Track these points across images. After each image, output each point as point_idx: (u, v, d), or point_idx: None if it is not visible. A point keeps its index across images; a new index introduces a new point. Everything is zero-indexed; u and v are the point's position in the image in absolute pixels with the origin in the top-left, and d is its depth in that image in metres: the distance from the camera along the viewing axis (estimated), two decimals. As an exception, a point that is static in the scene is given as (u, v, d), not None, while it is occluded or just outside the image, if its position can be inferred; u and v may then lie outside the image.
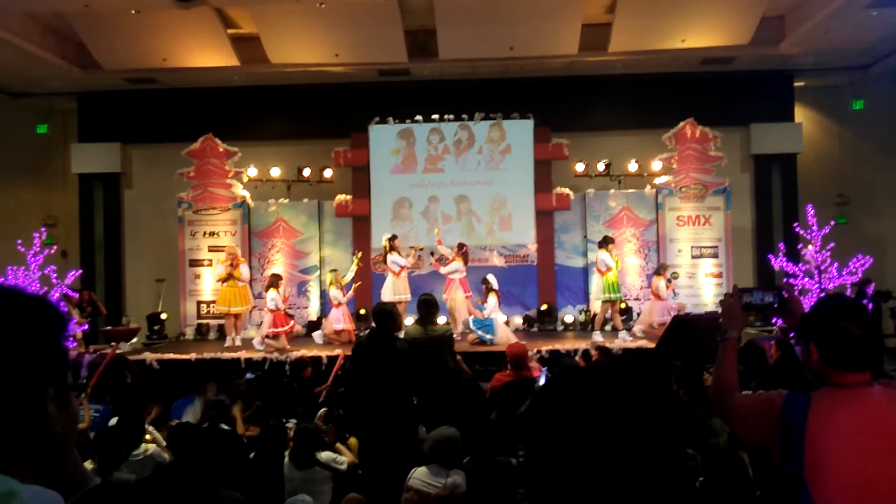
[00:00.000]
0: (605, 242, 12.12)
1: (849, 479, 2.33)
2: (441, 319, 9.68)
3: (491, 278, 12.04)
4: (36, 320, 1.29)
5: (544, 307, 13.80)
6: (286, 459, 5.48)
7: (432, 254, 12.98)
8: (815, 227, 11.76)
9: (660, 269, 12.48)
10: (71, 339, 10.91)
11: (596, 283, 12.72)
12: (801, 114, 15.18)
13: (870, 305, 9.43)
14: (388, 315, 6.24)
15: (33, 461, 1.23)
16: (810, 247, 11.82)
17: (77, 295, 12.29)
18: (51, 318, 1.31)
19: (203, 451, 3.69)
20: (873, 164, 15.20)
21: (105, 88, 14.95)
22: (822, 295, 10.25)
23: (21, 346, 1.24)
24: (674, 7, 11.83)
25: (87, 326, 11.75)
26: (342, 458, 5.67)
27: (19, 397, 1.22)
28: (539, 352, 10.26)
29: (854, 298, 3.49)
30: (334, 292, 12.11)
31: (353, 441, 6.15)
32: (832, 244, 11.67)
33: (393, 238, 12.13)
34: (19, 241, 11.41)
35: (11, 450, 1.21)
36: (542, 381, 6.98)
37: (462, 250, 12.25)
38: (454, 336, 8.66)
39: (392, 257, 11.93)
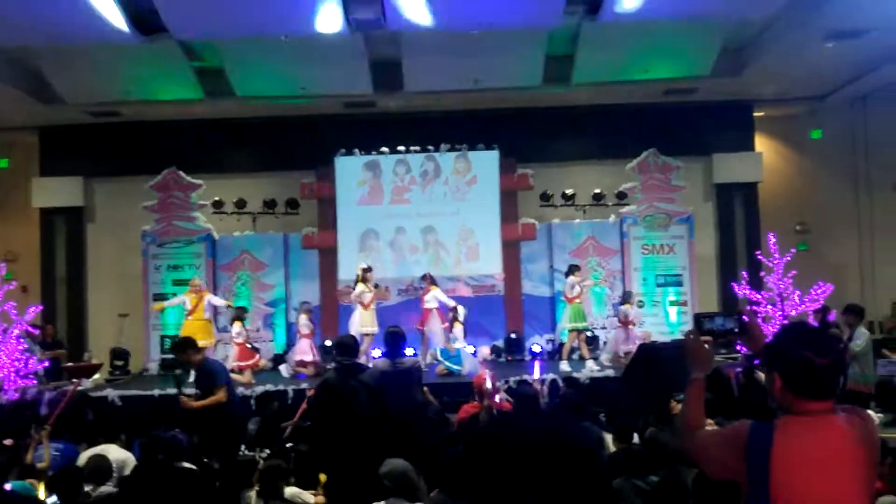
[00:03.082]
0: (571, 271, 12.22)
1: (814, 506, 2.35)
2: (409, 352, 9.66)
3: (460, 309, 12.05)
4: None
5: (512, 336, 13.81)
6: (253, 496, 5.39)
7: (406, 290, 13.05)
8: (776, 255, 11.90)
9: (627, 297, 12.56)
10: (32, 376, 10.71)
11: (563, 312, 12.78)
12: (761, 143, 15.43)
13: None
14: (346, 348, 6.29)
15: None
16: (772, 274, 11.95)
17: (38, 331, 12.08)
18: None
19: (164, 491, 3.61)
20: (832, 192, 15.46)
21: (67, 122, 14.79)
22: (786, 324, 10.35)
23: None
24: (636, 39, 11.99)
25: (48, 363, 11.53)
26: (308, 495, 5.60)
27: None
28: (507, 381, 10.23)
29: (818, 327, 3.54)
30: (303, 321, 12.02)
31: (322, 476, 6.07)
32: (794, 272, 11.81)
33: (368, 269, 12.11)
34: (-22, 277, 11.20)
35: None
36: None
37: (430, 279, 12.31)
38: (422, 368, 8.64)
39: (358, 289, 11.90)
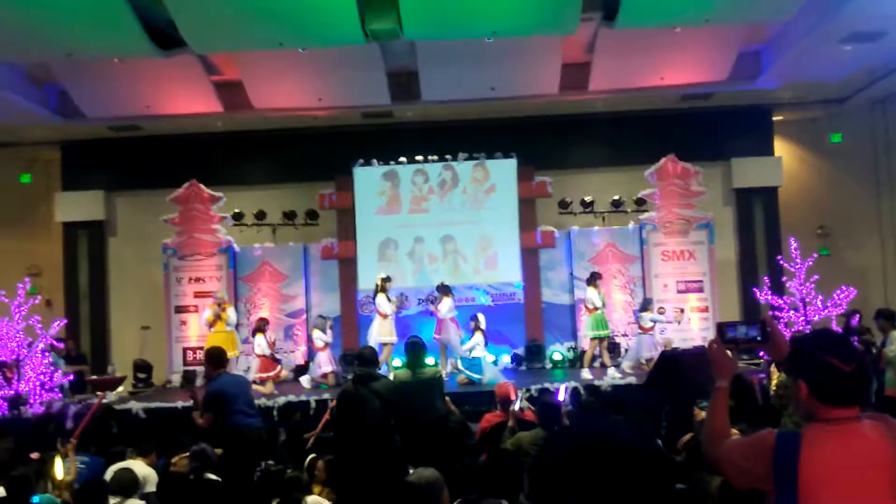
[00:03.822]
0: (593, 279, 12.20)
1: (842, 514, 2.34)
2: (429, 361, 9.67)
3: (480, 317, 12.06)
4: None
5: (532, 344, 13.79)
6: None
7: (426, 300, 13.07)
8: (798, 260, 11.84)
9: (646, 305, 12.53)
10: (57, 389, 10.80)
11: (584, 319, 12.77)
12: (780, 147, 15.36)
13: (855, 339, 9.47)
14: (364, 358, 6.38)
15: None
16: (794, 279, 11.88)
17: (63, 345, 12.19)
18: None
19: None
20: (853, 195, 15.36)
21: (88, 137, 14.96)
22: (809, 330, 10.30)
23: None
24: (652, 45, 11.98)
25: (72, 377, 11.63)
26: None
27: None
28: (528, 390, 10.22)
29: (841, 334, 3.51)
30: (318, 335, 12.06)
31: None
32: (816, 276, 11.74)
33: (387, 279, 12.14)
34: (2, 292, 11.33)
35: None
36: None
37: (445, 289, 12.30)
38: (443, 377, 8.65)
39: (379, 299, 11.93)
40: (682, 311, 13.24)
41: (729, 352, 2.82)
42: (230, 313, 12.18)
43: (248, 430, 6.92)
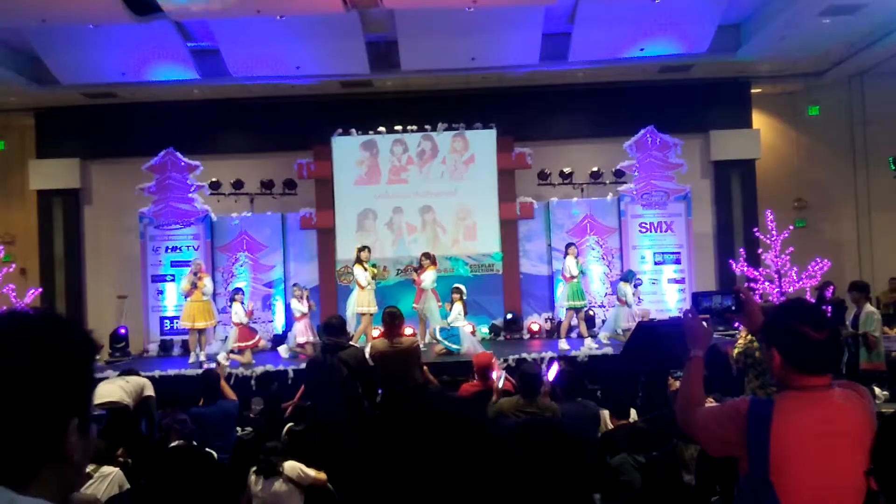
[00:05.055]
0: (568, 248, 12.28)
1: (813, 480, 2.39)
2: (408, 331, 9.70)
3: (462, 288, 12.05)
4: (67, 348, 1.27)
5: (510, 316, 13.85)
6: (252, 475, 5.43)
7: (402, 270, 13.05)
8: (774, 232, 11.93)
9: (628, 277, 12.57)
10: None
11: (561, 290, 12.83)
12: (758, 120, 15.42)
13: (829, 309, 9.57)
14: (331, 327, 6.45)
15: (49, 484, 1.24)
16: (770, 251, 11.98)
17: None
18: (81, 346, 1.30)
19: (178, 473, 3.63)
20: (829, 168, 15.48)
21: (63, 104, 14.77)
22: (783, 300, 10.40)
23: (50, 374, 1.23)
24: (632, 16, 11.96)
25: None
26: (310, 470, 5.64)
27: (43, 424, 1.22)
28: (506, 360, 10.29)
29: (813, 303, 3.56)
30: (296, 304, 12.06)
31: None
32: (791, 248, 11.85)
33: (363, 249, 12.09)
34: (-23, 260, 11.26)
35: (29, 471, 1.22)
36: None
37: (431, 259, 12.23)
38: (421, 347, 8.69)
39: (357, 270, 11.89)
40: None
41: (704, 322, 2.85)
42: (206, 282, 12.12)
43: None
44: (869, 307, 9.24)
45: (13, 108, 14.95)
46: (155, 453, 5.62)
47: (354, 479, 1.09)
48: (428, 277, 12.03)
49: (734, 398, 2.73)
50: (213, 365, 10.73)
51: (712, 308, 2.86)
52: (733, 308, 2.84)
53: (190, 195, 14.26)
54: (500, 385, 7.13)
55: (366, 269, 11.87)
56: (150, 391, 7.60)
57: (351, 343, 6.60)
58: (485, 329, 13.72)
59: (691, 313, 2.86)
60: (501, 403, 6.21)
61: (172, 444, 5.72)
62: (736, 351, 6.66)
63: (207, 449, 6.14)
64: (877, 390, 7.71)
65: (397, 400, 6.77)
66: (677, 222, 14.24)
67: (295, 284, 12.62)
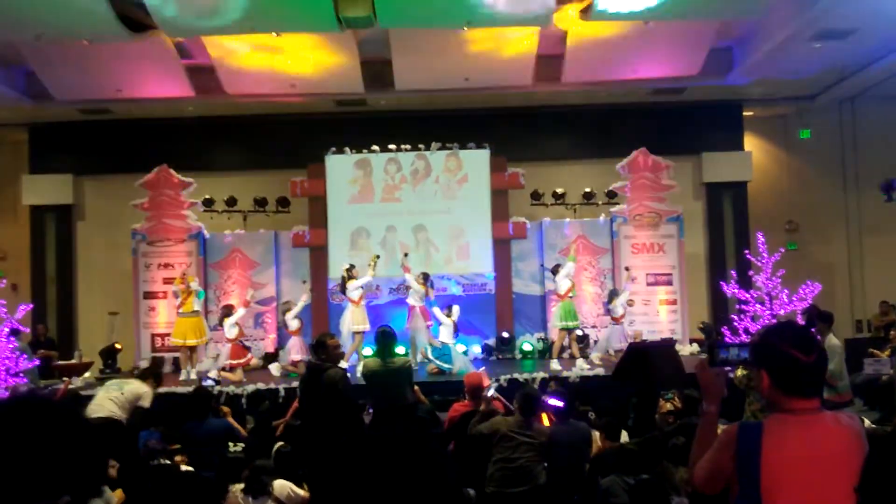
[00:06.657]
0: (556, 269, 12.35)
1: (804, 503, 2.39)
2: (400, 350, 9.69)
3: (455, 308, 12.05)
4: (50, 434, 1.26)
5: (503, 335, 13.83)
6: (239, 492, 5.40)
7: (397, 289, 13.07)
8: (765, 254, 11.96)
9: (613, 295, 12.58)
10: (23, 374, 10.67)
11: (553, 309, 12.83)
12: (750, 143, 15.51)
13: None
14: (320, 346, 6.56)
15: None
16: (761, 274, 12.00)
17: (28, 330, 12.04)
18: (64, 430, 1.29)
19: (160, 492, 3.62)
20: (821, 191, 15.56)
21: (57, 119, 14.76)
22: (772, 322, 10.37)
23: (21, 461, 1.22)
24: (625, 38, 12.03)
25: (38, 362, 11.49)
26: (299, 490, 5.61)
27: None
28: (498, 380, 10.27)
29: (802, 326, 3.55)
30: (289, 317, 12.05)
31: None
32: (782, 271, 11.86)
33: (351, 268, 12.10)
34: (-32, 276, 11.16)
35: None
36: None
37: (427, 281, 12.22)
38: (413, 367, 8.67)
39: (352, 285, 11.87)
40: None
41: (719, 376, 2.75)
42: (193, 286, 12.13)
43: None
44: (832, 339, 8.26)
45: (7, 123, 14.94)
46: (138, 471, 5.59)
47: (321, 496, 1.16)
48: (416, 296, 11.99)
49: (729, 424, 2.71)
50: (206, 382, 10.72)
51: (729, 360, 2.76)
52: (749, 360, 2.72)
53: (183, 212, 14.24)
54: (490, 404, 7.12)
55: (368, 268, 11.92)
56: (144, 402, 7.48)
57: (329, 364, 6.52)
58: (477, 348, 13.71)
59: (706, 366, 2.76)
60: (497, 422, 6.21)
61: (154, 463, 5.70)
62: (738, 373, 6.67)
63: (193, 467, 6.11)
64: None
65: (388, 419, 6.75)
66: (669, 243, 14.28)
67: (286, 302, 12.62)
